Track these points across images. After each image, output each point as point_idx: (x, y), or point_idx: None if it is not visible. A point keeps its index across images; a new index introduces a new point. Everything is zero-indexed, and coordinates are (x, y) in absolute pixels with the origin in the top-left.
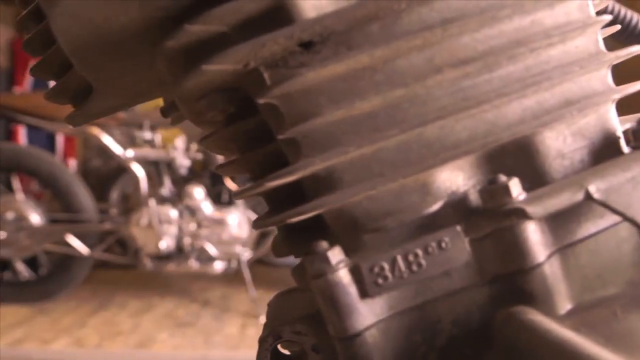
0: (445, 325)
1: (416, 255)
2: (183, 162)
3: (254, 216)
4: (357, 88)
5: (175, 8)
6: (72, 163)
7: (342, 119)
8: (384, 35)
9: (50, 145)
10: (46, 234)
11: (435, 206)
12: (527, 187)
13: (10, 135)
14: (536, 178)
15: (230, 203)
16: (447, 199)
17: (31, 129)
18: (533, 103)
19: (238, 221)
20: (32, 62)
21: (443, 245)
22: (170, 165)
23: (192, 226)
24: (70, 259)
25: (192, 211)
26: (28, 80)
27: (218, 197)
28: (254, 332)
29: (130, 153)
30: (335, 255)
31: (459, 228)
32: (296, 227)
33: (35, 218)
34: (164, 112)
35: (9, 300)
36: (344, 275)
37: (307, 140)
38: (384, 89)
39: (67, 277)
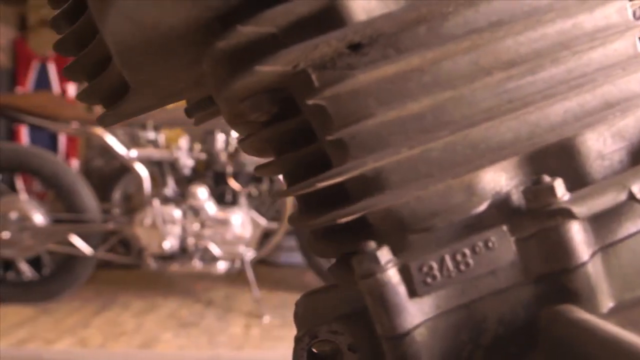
0: (491, 324)
1: (464, 255)
2: (187, 162)
3: (257, 216)
4: (405, 90)
5: (224, 9)
6: (75, 163)
7: (389, 120)
8: (431, 37)
9: (52, 145)
10: (49, 234)
11: (481, 206)
12: (569, 187)
13: (13, 135)
14: (577, 179)
15: (233, 203)
16: (491, 199)
17: (33, 129)
18: (575, 105)
19: (241, 221)
20: (35, 62)
21: (490, 244)
22: (173, 166)
23: (196, 226)
24: (73, 259)
25: (196, 211)
26: (30, 80)
27: (221, 197)
28: (258, 332)
29: (133, 153)
30: (384, 255)
31: (505, 228)
32: (334, 227)
33: (39, 218)
34: (189, 112)
35: (12, 300)
36: (393, 274)
37: (355, 142)
38: (431, 90)
39: (70, 277)
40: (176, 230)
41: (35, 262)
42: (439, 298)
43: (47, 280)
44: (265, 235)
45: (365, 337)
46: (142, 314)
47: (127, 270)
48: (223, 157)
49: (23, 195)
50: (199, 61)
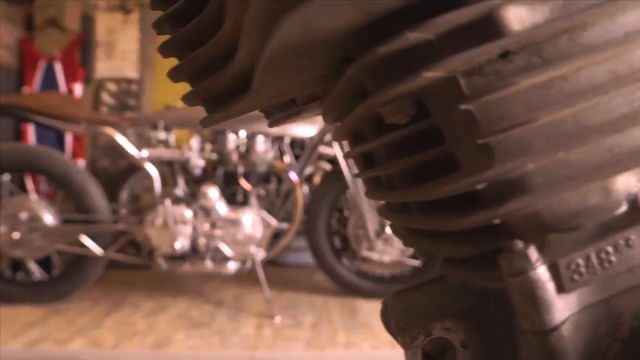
0: (627, 318)
1: (607, 253)
2: (198, 163)
3: (267, 217)
4: (548, 97)
5: (382, 14)
6: (81, 163)
7: (533, 125)
8: (572, 47)
9: (59, 145)
10: (60, 234)
11: (622, 208)
12: None
13: (19, 135)
14: None
15: (244, 203)
16: (624, 200)
17: (40, 128)
18: None
19: (252, 221)
20: (41, 62)
21: (630, 243)
22: (184, 166)
23: (207, 226)
24: (83, 259)
25: (207, 211)
26: (36, 80)
27: (232, 198)
28: (270, 332)
29: (144, 153)
30: (533, 253)
31: None
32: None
33: (49, 218)
34: (268, 113)
35: (22, 300)
36: (542, 272)
37: (501, 146)
38: (572, 97)
39: (80, 278)
40: (187, 230)
41: (44, 263)
42: (582, 294)
43: (57, 280)
44: (275, 236)
45: (476, 334)
46: (153, 314)
47: (136, 270)
48: (234, 157)
49: (33, 196)
50: (324, 63)
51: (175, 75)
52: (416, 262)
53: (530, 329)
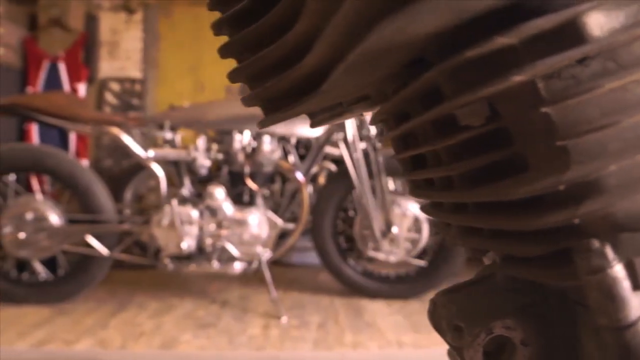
0: None
1: None
2: (204, 163)
3: (273, 217)
4: (623, 101)
5: (469, 18)
6: (85, 163)
7: (609, 128)
8: None
9: (62, 145)
10: (65, 234)
11: None
12: None
13: (23, 135)
14: None
15: (250, 203)
16: None
17: (43, 128)
18: None
19: (258, 221)
20: (45, 62)
21: None
22: (189, 166)
23: (213, 226)
24: (89, 259)
25: (213, 211)
26: (40, 80)
27: (238, 198)
28: (277, 332)
29: (151, 153)
30: (609, 252)
31: None
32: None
33: (55, 218)
34: (313, 114)
35: (28, 301)
36: (619, 270)
37: (577, 148)
38: None
39: (86, 278)
40: (193, 230)
41: (50, 263)
42: None
43: (62, 280)
44: (280, 236)
45: (535, 332)
46: (158, 314)
47: (140, 270)
48: (241, 157)
49: (39, 196)
50: (395, 65)
51: (234, 76)
52: (422, 262)
53: (607, 325)
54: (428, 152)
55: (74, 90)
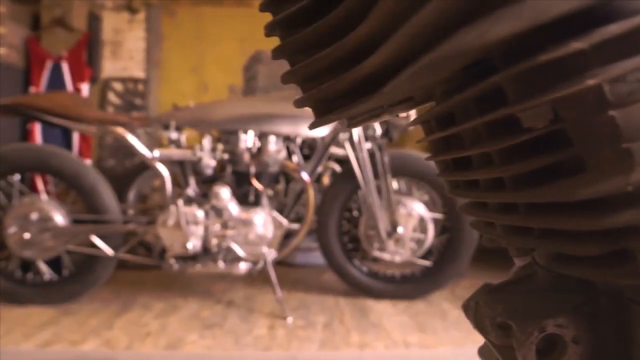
0: None
1: None
2: (210, 163)
3: (279, 217)
4: None
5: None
6: (87, 163)
7: None
8: None
9: (66, 145)
10: (71, 234)
11: None
12: None
13: (26, 135)
14: None
15: (256, 204)
16: None
17: (46, 128)
18: None
19: (264, 221)
20: (48, 62)
21: None
22: (195, 166)
23: (219, 227)
24: (94, 259)
25: (219, 211)
26: (43, 80)
27: (244, 198)
28: (283, 333)
29: (156, 153)
30: None
31: None
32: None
33: (59, 218)
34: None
35: (32, 301)
36: None
37: None
38: None
39: (91, 278)
40: (199, 230)
41: (54, 263)
42: None
43: (67, 281)
44: (286, 236)
45: (586, 330)
46: (164, 315)
47: (143, 270)
48: (246, 157)
49: (44, 196)
50: (456, 67)
51: (288, 78)
52: (427, 263)
53: None
54: (475, 154)
55: (78, 91)
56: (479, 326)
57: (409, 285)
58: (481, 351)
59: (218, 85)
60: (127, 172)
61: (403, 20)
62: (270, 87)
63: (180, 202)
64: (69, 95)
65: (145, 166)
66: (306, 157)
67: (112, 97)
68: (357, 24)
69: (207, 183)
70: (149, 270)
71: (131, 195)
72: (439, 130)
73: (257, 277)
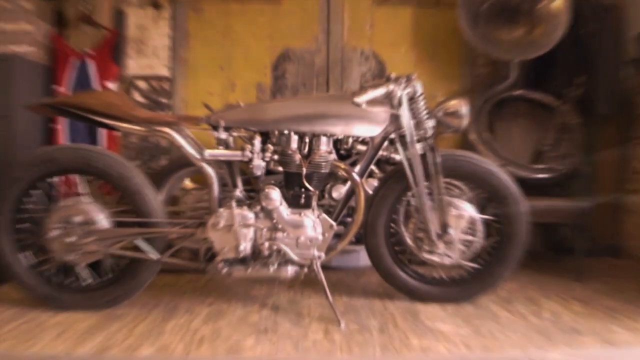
0: None
1: None
2: (260, 163)
3: (329, 219)
4: None
5: None
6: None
7: None
8: None
9: (92, 143)
10: (115, 237)
11: None
12: None
13: (51, 134)
14: None
15: (306, 206)
16: None
17: (73, 128)
18: None
19: (314, 224)
20: (74, 60)
21: None
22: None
23: (269, 229)
24: (137, 263)
25: (269, 213)
26: (67, 78)
27: (294, 200)
28: (340, 337)
29: (206, 154)
30: None
31: None
32: None
33: (103, 221)
34: None
35: (75, 307)
36: None
37: None
38: None
39: (134, 282)
40: (250, 233)
41: (95, 267)
42: None
43: (110, 285)
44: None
45: None
46: (212, 319)
47: (178, 274)
48: (297, 158)
49: (87, 198)
50: None
51: None
52: (476, 265)
53: None
54: None
55: (104, 89)
56: None
57: (457, 288)
58: None
59: (246, 83)
60: (158, 173)
61: None
62: (299, 86)
63: (233, 204)
64: (117, 94)
65: (175, 168)
66: (342, 158)
67: (136, 95)
68: None
69: (262, 184)
70: (181, 274)
71: (161, 197)
72: None
73: (296, 281)
